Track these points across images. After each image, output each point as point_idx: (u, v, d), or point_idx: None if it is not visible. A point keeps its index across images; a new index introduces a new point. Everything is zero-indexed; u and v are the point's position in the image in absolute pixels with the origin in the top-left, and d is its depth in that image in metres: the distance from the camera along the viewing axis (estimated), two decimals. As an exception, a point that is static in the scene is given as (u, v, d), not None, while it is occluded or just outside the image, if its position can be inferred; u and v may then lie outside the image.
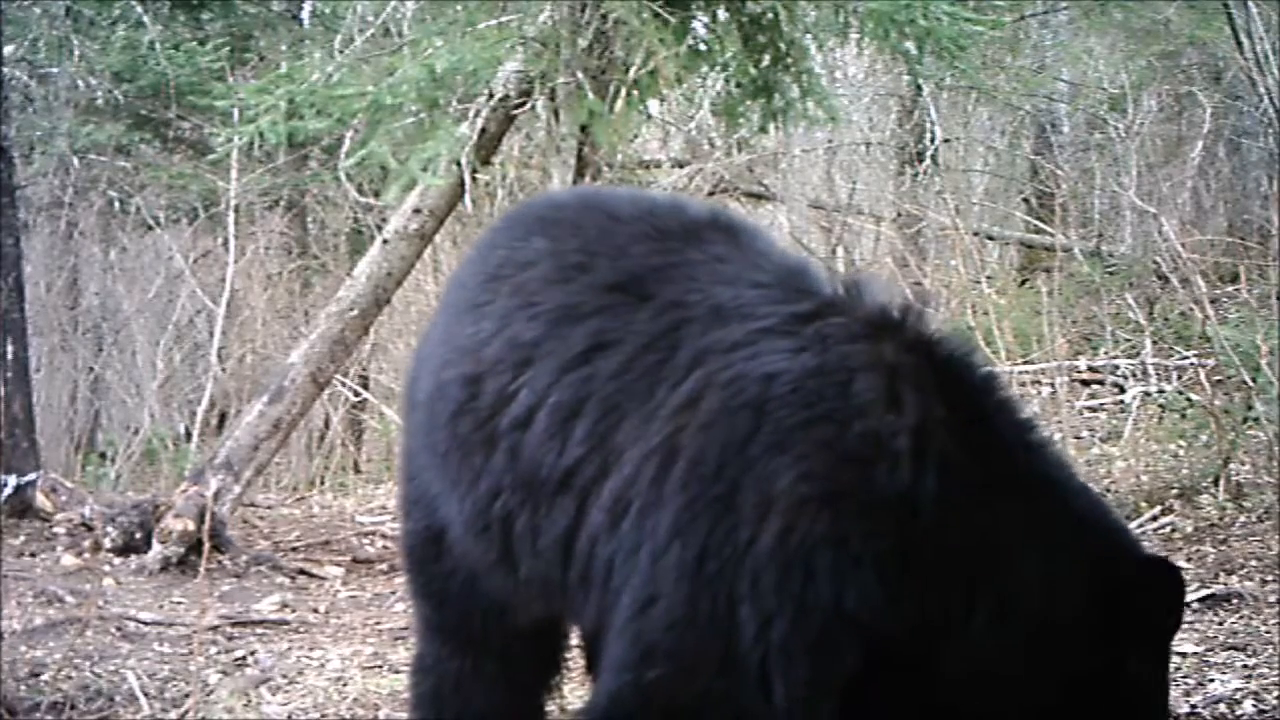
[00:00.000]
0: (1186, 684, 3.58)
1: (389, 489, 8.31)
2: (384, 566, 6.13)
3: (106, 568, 5.83)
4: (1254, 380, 5.60)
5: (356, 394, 9.92)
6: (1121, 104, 10.41)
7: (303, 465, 9.71)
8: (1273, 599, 4.22)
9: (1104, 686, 2.07)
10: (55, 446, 9.88)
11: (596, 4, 5.78)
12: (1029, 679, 2.06)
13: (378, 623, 5.08)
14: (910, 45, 6.09)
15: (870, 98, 11.76)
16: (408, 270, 6.99)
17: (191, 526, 5.87)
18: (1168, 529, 5.25)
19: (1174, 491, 5.56)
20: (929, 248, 10.20)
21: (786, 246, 2.86)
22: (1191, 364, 6.91)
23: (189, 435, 9.91)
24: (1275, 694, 3.44)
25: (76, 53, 9.22)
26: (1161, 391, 6.95)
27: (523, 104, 6.17)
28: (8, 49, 8.50)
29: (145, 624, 4.95)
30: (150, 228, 10.89)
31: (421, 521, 2.68)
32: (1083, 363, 8.01)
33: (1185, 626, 4.08)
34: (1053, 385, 6.88)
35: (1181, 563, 4.80)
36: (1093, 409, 7.56)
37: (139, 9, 9.45)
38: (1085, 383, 7.91)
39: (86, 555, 5.98)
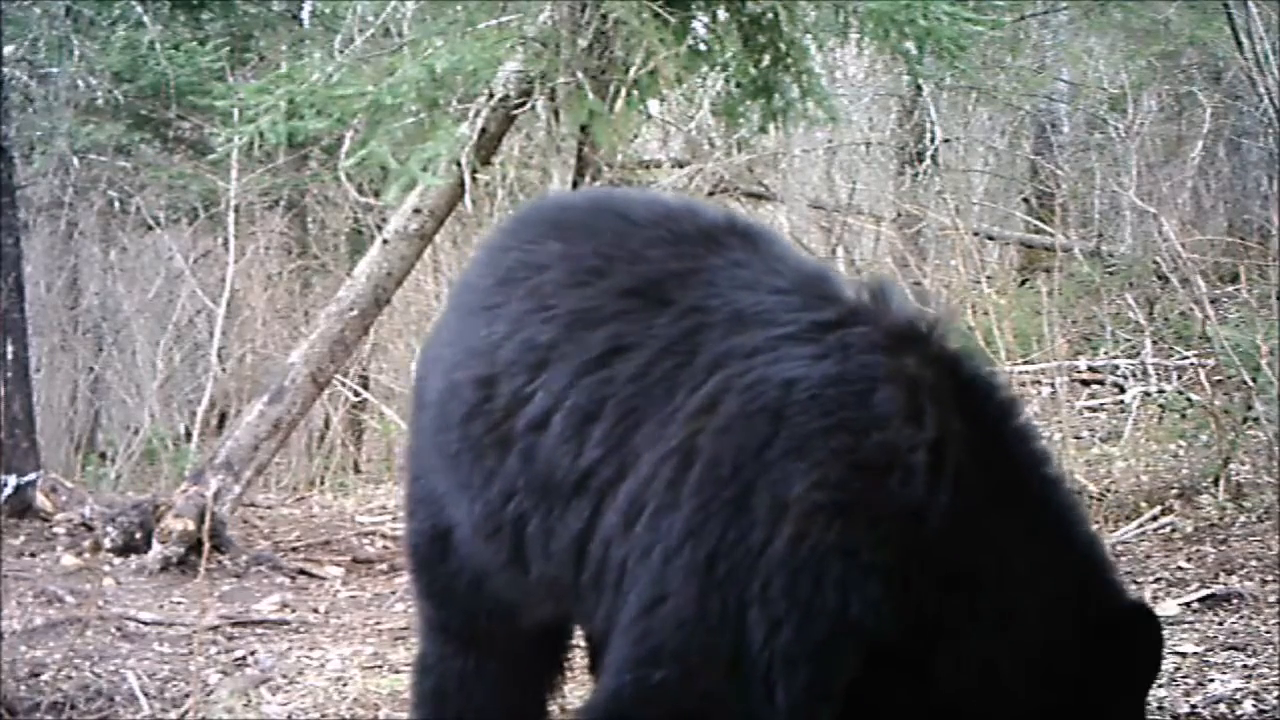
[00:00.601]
0: (1186, 684, 3.58)
1: (389, 489, 8.31)
2: (384, 566, 6.12)
3: (106, 568, 5.82)
4: (1254, 380, 5.60)
5: (356, 394, 9.92)
6: (1121, 104, 10.42)
7: (303, 465, 9.71)
8: (1273, 599, 4.22)
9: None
10: (55, 446, 9.89)
11: (596, 4, 5.78)
12: (1016, 698, 2.07)
13: (378, 623, 5.08)
14: (910, 45, 6.10)
15: (870, 98, 11.76)
16: (408, 270, 6.99)
17: (191, 526, 5.86)
18: (1168, 529, 5.25)
19: (1174, 491, 5.56)
20: (929, 248, 10.19)
21: (801, 252, 2.85)
22: (1191, 364, 6.91)
23: (189, 435, 9.91)
24: (1275, 694, 3.44)
25: (76, 53, 9.22)
26: (1161, 391, 6.96)
27: (523, 104, 6.18)
28: (8, 49, 8.50)
29: (145, 624, 4.95)
30: (150, 228, 10.90)
31: (427, 521, 2.68)
32: (1083, 363, 8.01)
33: (1185, 626, 4.08)
34: (1053, 385, 6.88)
35: (1181, 563, 4.81)
36: (1093, 409, 7.56)
37: (139, 9, 9.45)
38: (1085, 383, 7.91)
39: (86, 555, 5.98)
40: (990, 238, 10.95)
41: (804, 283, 2.30)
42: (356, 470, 9.64)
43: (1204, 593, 4.39)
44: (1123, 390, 7.55)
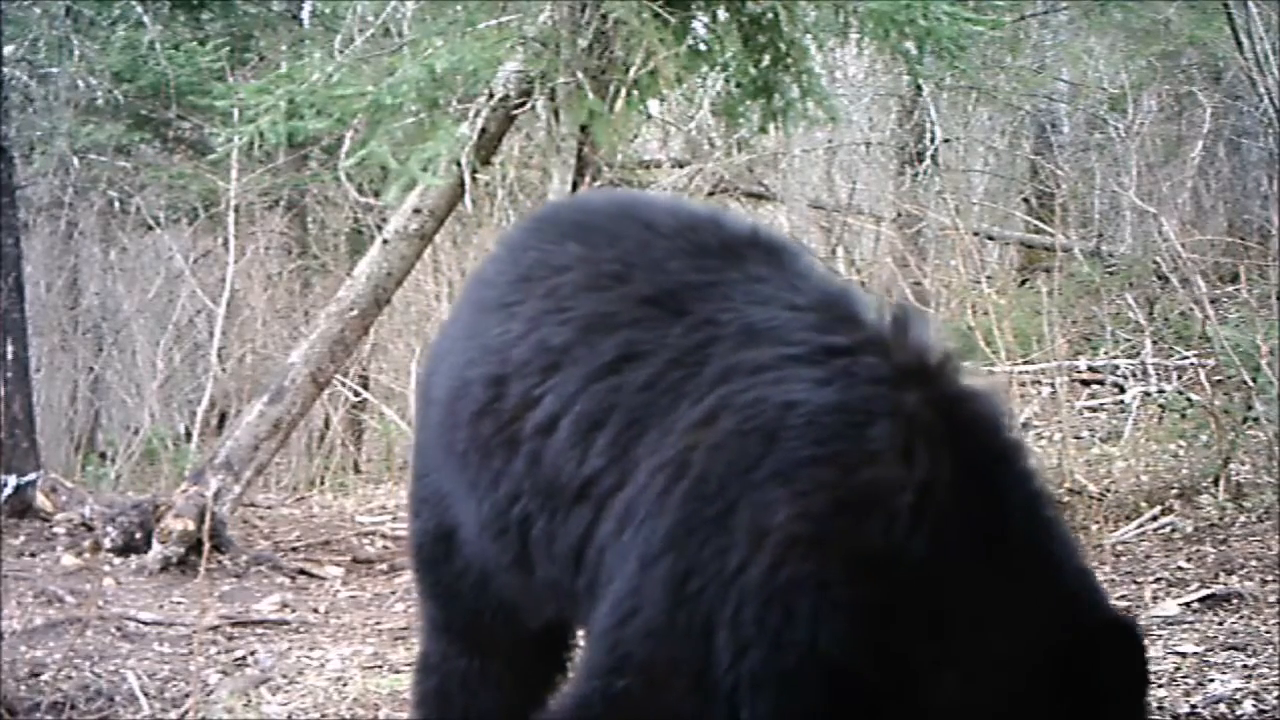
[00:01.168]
0: (1186, 684, 3.58)
1: (389, 489, 8.31)
2: (384, 566, 6.13)
3: (106, 568, 5.83)
4: (1254, 380, 5.60)
5: (356, 394, 9.91)
6: (1121, 104, 10.42)
7: (303, 465, 9.71)
8: (1273, 599, 4.22)
9: None
10: (55, 446, 9.89)
11: (596, 4, 5.78)
12: None
13: (378, 623, 5.08)
14: (910, 45, 6.10)
15: (870, 98, 11.75)
16: (408, 270, 6.99)
17: (191, 526, 5.87)
18: (1168, 529, 5.25)
19: (1174, 491, 5.56)
20: (929, 248, 10.19)
21: (826, 269, 2.80)
22: (1191, 364, 6.91)
23: (189, 435, 9.91)
24: (1275, 694, 3.44)
25: (76, 53, 9.22)
26: (1161, 391, 6.96)
27: (523, 104, 6.18)
28: (8, 49, 8.50)
29: (145, 624, 4.95)
30: (150, 228, 10.90)
31: (431, 520, 2.67)
32: (1083, 363, 8.01)
33: (1185, 626, 4.08)
34: (1053, 385, 6.88)
35: (1181, 563, 4.81)
36: (1093, 409, 7.56)
37: (139, 9, 9.46)
38: (1085, 383, 7.92)
39: (86, 555, 5.98)
40: (990, 238, 10.95)
41: (823, 302, 2.25)
42: (356, 470, 9.63)
43: (1204, 593, 4.39)
44: (1123, 390, 7.55)
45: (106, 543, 6.02)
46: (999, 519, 2.06)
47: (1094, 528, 5.26)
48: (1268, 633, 3.94)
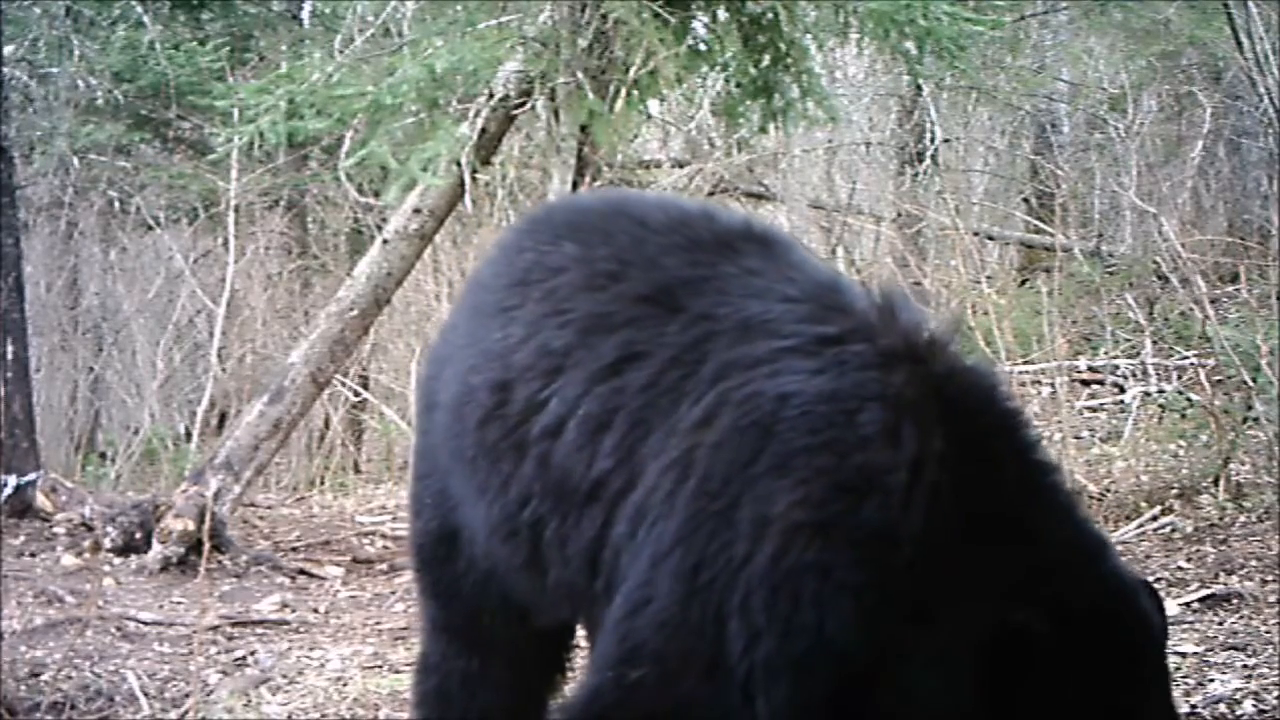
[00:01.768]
0: (1186, 684, 3.58)
1: (389, 489, 8.32)
2: (384, 566, 6.13)
3: (106, 568, 5.83)
4: (1254, 380, 5.60)
5: (356, 394, 9.92)
6: (1121, 104, 10.42)
7: (303, 465, 9.71)
8: (1273, 599, 4.22)
9: None
10: (55, 446, 9.90)
11: (596, 4, 5.78)
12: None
13: (378, 623, 5.08)
14: (910, 45, 6.10)
15: (870, 98, 11.76)
16: (408, 270, 6.99)
17: (191, 526, 5.87)
18: (1168, 529, 5.25)
19: (1174, 491, 5.56)
20: (929, 248, 10.18)
21: (820, 259, 2.82)
22: (1191, 364, 6.91)
23: (189, 435, 9.91)
24: (1275, 694, 3.45)
25: (76, 53, 9.22)
26: (1161, 391, 6.96)
27: (523, 104, 6.18)
28: (8, 49, 8.50)
29: (145, 624, 4.95)
30: (150, 228, 10.90)
31: (434, 521, 2.68)
32: (1083, 363, 8.01)
33: (1185, 626, 4.08)
34: (1053, 385, 6.88)
35: (1181, 563, 4.81)
36: (1093, 409, 7.56)
37: (139, 9, 9.46)
38: (1085, 383, 7.91)
39: (86, 555, 5.98)
40: (990, 238, 10.95)
41: (815, 292, 2.28)
42: (356, 470, 9.64)
43: (1204, 593, 4.39)
44: (1123, 390, 7.55)
45: (106, 543, 6.02)
46: (996, 490, 2.09)
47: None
48: (1268, 633, 3.94)
